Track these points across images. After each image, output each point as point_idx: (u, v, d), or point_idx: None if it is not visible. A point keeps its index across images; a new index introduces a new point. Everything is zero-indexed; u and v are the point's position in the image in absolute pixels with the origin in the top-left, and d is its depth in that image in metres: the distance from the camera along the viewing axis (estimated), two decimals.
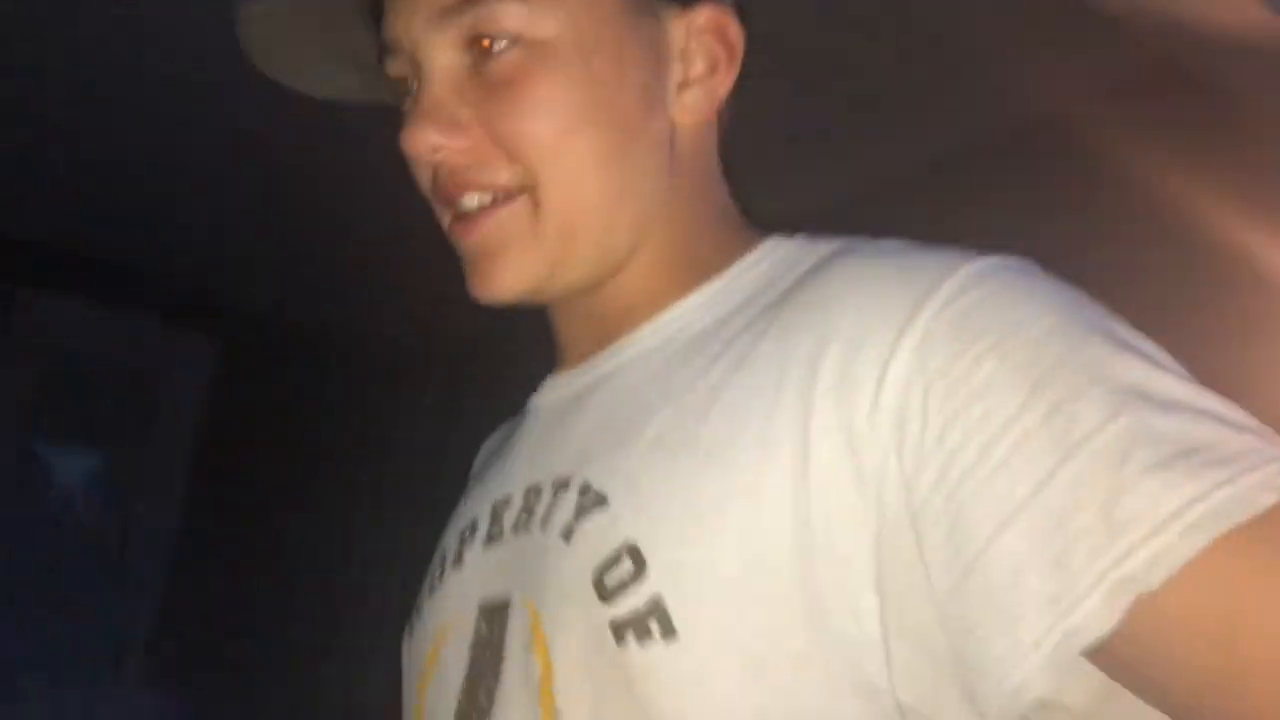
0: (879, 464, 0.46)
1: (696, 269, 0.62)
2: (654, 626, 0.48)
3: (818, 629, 0.46)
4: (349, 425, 3.25)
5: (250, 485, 3.18)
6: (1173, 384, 0.45)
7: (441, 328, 2.97)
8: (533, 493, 0.59)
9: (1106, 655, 0.41)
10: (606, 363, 0.62)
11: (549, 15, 0.57)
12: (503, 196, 0.59)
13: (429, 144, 0.58)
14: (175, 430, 3.98)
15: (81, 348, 3.93)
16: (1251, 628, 0.40)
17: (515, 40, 0.57)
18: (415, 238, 0.90)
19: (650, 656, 0.48)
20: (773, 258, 0.61)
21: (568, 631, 0.51)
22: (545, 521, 0.56)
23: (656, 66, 0.61)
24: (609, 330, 0.63)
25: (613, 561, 0.50)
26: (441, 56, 0.59)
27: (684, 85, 0.62)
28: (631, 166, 0.60)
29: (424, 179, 0.62)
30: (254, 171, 2.62)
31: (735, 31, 0.62)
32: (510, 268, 0.59)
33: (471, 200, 0.59)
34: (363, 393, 3.28)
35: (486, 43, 0.58)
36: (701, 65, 0.62)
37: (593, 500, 0.54)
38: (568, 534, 0.54)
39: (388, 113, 0.65)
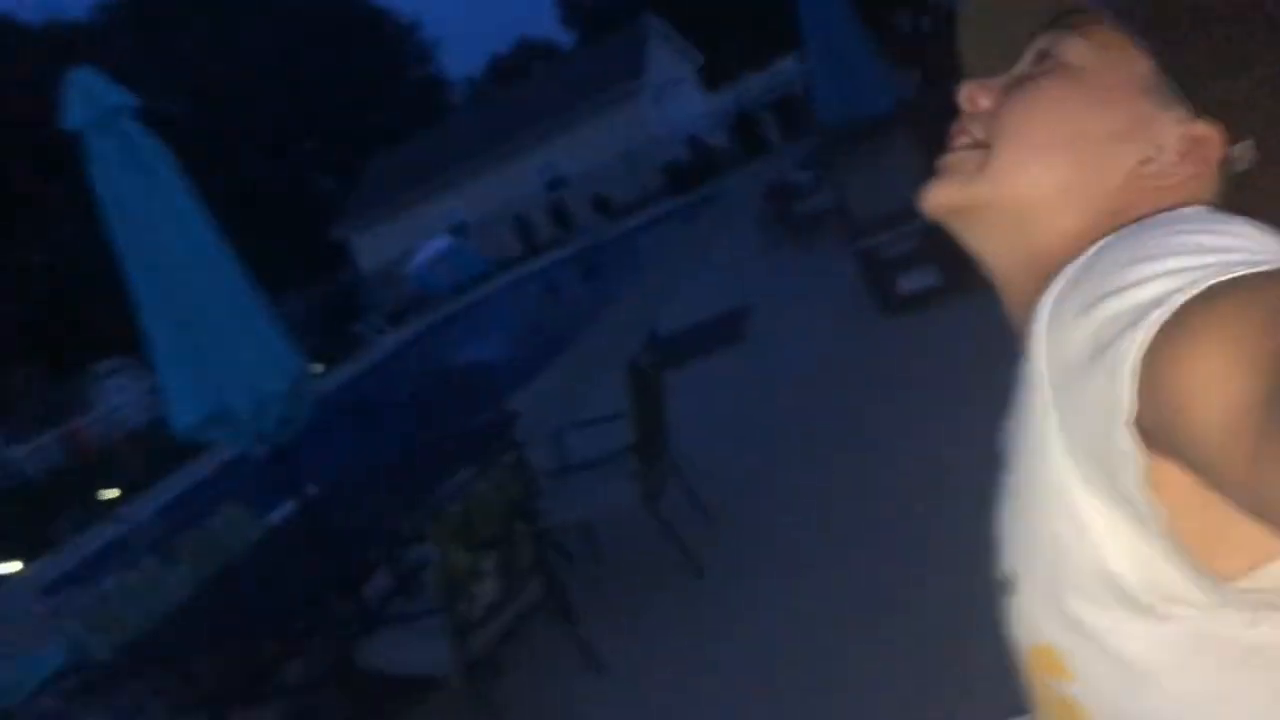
0: None
1: None
2: (1011, 585, 0.73)
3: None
4: None
5: None
6: None
7: None
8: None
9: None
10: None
11: (1089, 53, 0.74)
12: (973, 144, 0.78)
13: (964, 93, 0.80)
14: None
15: None
16: None
17: (1059, 60, 0.76)
18: None
19: (1013, 600, 0.74)
20: None
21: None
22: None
23: (1136, 130, 0.72)
24: None
25: (997, 544, 0.75)
26: (1022, 63, 0.80)
27: (1149, 161, 0.72)
28: (1067, 176, 0.73)
29: None
30: None
31: (1214, 151, 0.71)
32: (942, 189, 0.78)
33: (965, 140, 0.79)
34: None
35: (1046, 61, 0.77)
36: (1171, 156, 0.72)
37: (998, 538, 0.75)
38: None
39: None
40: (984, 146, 0.76)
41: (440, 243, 28.89)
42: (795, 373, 6.88)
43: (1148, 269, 0.57)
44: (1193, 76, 0.71)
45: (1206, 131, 0.71)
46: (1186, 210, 0.68)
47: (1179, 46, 0.71)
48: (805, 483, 4.94)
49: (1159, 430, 0.52)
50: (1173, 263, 0.56)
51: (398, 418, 13.07)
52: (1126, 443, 0.54)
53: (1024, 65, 0.80)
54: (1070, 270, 0.65)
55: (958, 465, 3.99)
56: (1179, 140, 0.72)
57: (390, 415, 13.88)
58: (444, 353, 19.45)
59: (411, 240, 30.54)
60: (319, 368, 22.36)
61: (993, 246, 0.78)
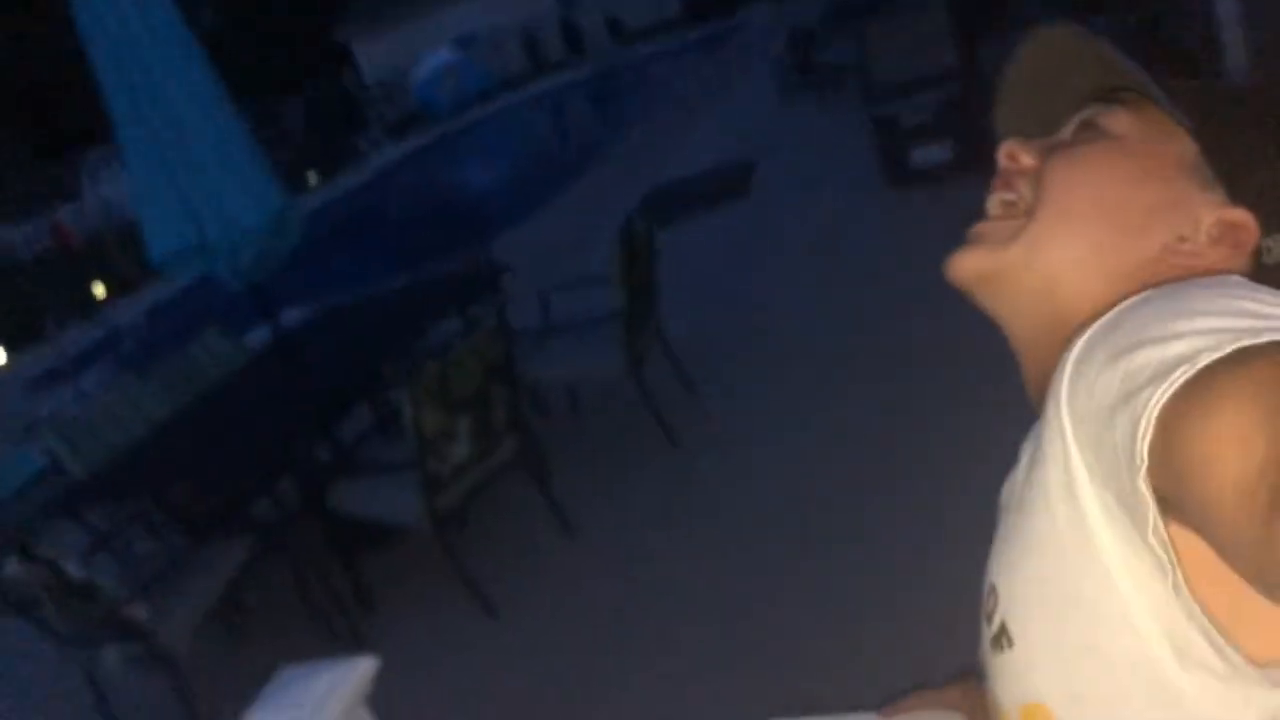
0: None
1: None
2: (1004, 640, 0.73)
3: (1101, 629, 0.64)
4: None
5: None
6: None
7: None
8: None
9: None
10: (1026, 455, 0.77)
11: (1134, 127, 0.76)
12: (1013, 209, 0.79)
13: (1007, 149, 0.80)
14: None
15: None
16: None
17: (1103, 131, 0.78)
18: None
19: (1005, 656, 0.73)
20: None
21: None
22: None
23: (1174, 207, 0.73)
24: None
25: (987, 597, 0.76)
26: (1066, 130, 0.81)
27: (1184, 239, 0.73)
28: (1102, 244, 0.74)
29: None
30: None
31: (1249, 238, 0.72)
32: (974, 256, 0.78)
33: (1006, 195, 0.79)
34: None
35: (1090, 131, 0.79)
36: (1205, 237, 0.73)
37: (990, 592, 0.76)
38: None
39: None
40: (1020, 215, 0.77)
41: (445, 55, 27.96)
42: (793, 238, 6.73)
43: (1185, 324, 0.56)
44: (1234, 162, 0.73)
45: (1243, 218, 0.72)
46: (1232, 276, 0.66)
47: (1223, 132, 0.73)
48: (795, 356, 4.89)
49: (1171, 488, 0.52)
50: (1209, 322, 0.55)
51: (386, 243, 12.93)
52: (1144, 491, 0.53)
53: (1066, 133, 0.80)
54: (1100, 322, 0.64)
55: (954, 344, 3.96)
56: (1214, 223, 0.72)
57: (379, 239, 13.73)
58: (440, 174, 19.10)
59: (416, 49, 29.54)
60: (314, 178, 22.01)
61: (1017, 313, 0.78)
